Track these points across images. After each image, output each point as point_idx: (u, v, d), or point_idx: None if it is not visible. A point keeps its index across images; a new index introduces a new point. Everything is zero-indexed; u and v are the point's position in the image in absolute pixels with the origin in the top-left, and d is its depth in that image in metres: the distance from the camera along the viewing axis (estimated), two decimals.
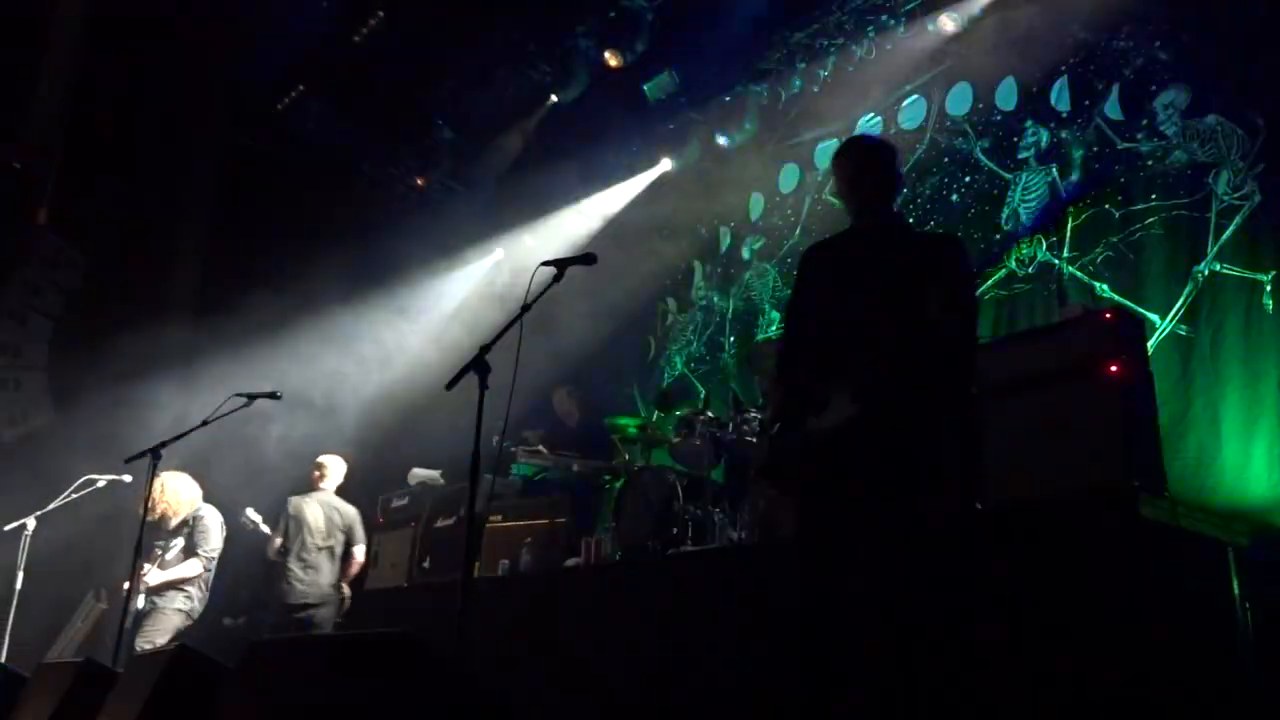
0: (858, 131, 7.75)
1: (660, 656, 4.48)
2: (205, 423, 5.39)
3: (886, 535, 3.08)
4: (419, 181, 9.68)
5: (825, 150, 8.03)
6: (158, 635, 6.09)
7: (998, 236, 6.66)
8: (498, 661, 4.67)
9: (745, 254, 8.66)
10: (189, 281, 8.95)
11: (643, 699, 4.42)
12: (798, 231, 8.17)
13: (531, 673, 4.81)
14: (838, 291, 3.46)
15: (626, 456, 6.87)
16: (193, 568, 6.30)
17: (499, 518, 6.32)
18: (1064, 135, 6.42)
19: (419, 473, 7.25)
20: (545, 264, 3.74)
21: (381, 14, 8.34)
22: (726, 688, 4.12)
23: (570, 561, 5.90)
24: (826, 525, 3.21)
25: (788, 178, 8.38)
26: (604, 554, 5.84)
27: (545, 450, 6.97)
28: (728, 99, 8.68)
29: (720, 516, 5.51)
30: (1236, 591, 3.53)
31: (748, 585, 4.36)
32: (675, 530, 5.48)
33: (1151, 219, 5.82)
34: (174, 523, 6.42)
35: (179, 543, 6.36)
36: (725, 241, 8.90)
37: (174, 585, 6.24)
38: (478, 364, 3.44)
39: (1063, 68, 6.45)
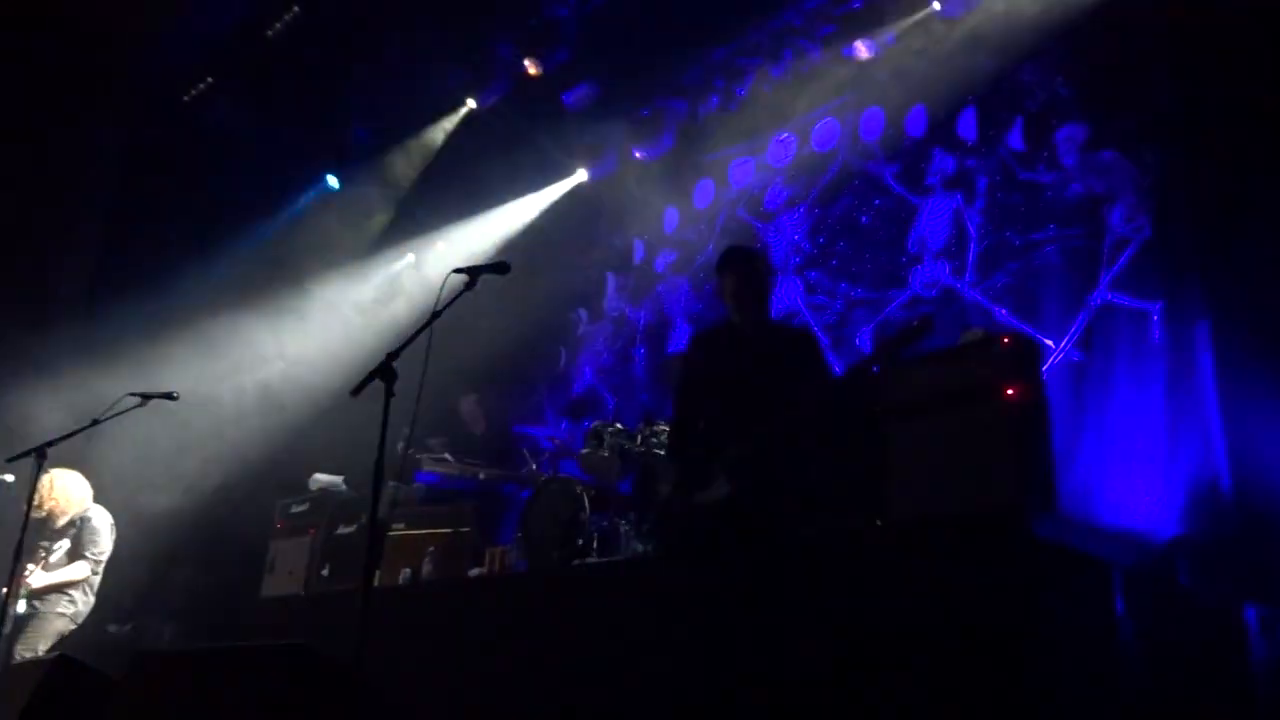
0: (770, 149, 7.91)
1: (563, 668, 4.46)
2: (95, 422, 5.19)
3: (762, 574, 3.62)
4: (330, 180, 9.50)
5: (740, 167, 8.14)
6: (39, 641, 5.85)
7: (904, 259, 6.83)
8: (398, 672, 4.59)
9: (658, 267, 8.70)
10: (82, 275, 8.62)
11: (545, 710, 4.39)
12: (710, 246, 8.25)
13: (432, 684, 4.75)
14: (720, 381, 4.32)
15: (534, 466, 6.83)
16: (79, 570, 6.06)
17: (402, 526, 6.20)
18: (969, 163, 6.62)
19: (320, 478, 7.06)
20: (457, 271, 3.72)
21: (297, 9, 8.18)
22: (629, 699, 4.12)
23: (474, 571, 5.84)
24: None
25: (702, 193, 8.46)
26: (509, 564, 5.80)
27: (451, 458, 6.88)
28: (646, 113, 8.73)
29: (626, 528, 5.51)
30: (1120, 610, 3.67)
31: (652, 597, 4.37)
32: (581, 541, 5.48)
33: (1049, 247, 6.04)
34: (61, 522, 6.18)
35: (64, 544, 6.12)
36: (639, 253, 8.94)
37: (58, 589, 6.00)
38: (384, 370, 3.40)
39: (970, 98, 6.66)
